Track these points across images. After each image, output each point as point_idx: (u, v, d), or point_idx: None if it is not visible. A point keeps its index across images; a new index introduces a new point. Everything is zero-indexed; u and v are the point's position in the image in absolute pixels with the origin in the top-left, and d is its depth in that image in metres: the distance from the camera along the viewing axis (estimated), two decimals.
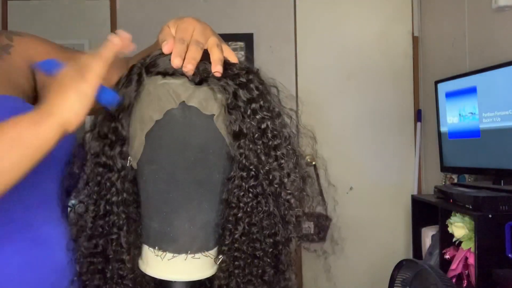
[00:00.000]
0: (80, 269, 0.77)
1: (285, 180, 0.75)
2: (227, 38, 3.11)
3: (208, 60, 0.73)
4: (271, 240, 0.76)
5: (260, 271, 0.76)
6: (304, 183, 0.80)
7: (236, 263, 0.76)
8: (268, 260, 0.77)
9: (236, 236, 0.75)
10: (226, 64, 0.73)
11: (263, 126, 0.73)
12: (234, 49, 3.16)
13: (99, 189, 0.75)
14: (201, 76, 0.71)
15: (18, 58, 0.86)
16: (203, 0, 3.14)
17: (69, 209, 0.82)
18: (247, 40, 3.17)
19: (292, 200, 0.77)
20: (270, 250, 0.76)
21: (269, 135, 0.74)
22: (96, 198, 0.75)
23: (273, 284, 0.79)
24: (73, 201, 0.81)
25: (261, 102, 0.73)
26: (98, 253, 0.76)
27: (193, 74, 0.71)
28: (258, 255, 0.76)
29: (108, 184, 0.75)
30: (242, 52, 3.13)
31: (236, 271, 0.76)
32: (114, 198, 0.75)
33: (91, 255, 0.76)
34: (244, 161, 0.73)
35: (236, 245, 0.75)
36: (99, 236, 0.76)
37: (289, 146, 0.76)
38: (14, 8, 3.15)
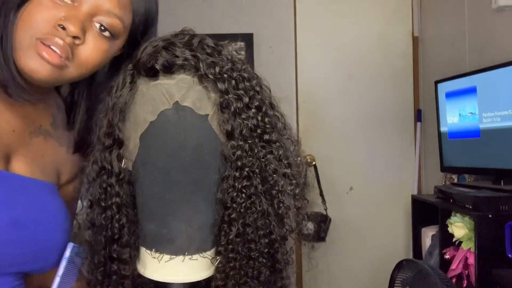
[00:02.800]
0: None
1: (279, 169, 0.74)
2: (227, 38, 3.11)
3: (176, 47, 0.71)
4: (266, 240, 0.75)
5: (255, 272, 0.75)
6: (300, 177, 0.79)
7: (231, 264, 0.75)
8: (264, 260, 0.76)
9: (231, 237, 0.74)
10: (214, 63, 0.72)
11: (252, 123, 0.72)
12: (234, 49, 3.15)
13: (99, 193, 0.75)
14: (168, 62, 0.70)
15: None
16: (203, 0, 3.13)
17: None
18: (247, 40, 3.16)
19: (287, 195, 0.76)
20: (266, 250, 0.75)
21: (259, 131, 0.73)
22: (96, 200, 0.75)
23: (270, 285, 0.78)
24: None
25: (249, 99, 0.72)
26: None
27: (165, 67, 0.70)
28: (253, 256, 0.75)
29: (106, 187, 0.74)
30: (242, 52, 3.12)
31: (232, 272, 0.75)
32: (113, 200, 0.74)
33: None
34: (236, 161, 0.72)
35: (231, 246, 0.74)
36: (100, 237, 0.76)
37: (280, 143, 0.75)
38: None
